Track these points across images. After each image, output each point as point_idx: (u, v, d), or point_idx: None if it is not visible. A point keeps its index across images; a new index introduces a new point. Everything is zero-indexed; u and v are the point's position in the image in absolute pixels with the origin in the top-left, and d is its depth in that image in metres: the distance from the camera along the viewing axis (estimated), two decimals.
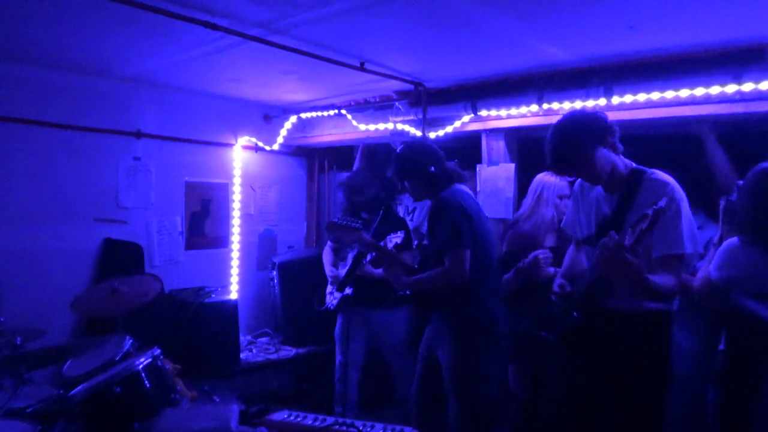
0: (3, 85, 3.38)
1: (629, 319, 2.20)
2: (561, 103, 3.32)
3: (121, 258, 3.81)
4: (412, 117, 4.00)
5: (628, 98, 3.08)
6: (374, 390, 3.94)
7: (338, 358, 3.78)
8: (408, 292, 2.95)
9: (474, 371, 2.78)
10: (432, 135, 3.94)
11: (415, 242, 3.11)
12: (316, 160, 5.15)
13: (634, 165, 2.31)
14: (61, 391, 2.48)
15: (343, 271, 3.70)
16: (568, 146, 2.23)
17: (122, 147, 3.93)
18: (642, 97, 3.05)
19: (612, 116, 3.15)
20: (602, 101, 3.16)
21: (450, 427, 2.81)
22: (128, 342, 2.72)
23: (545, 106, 3.37)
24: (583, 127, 2.24)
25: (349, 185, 3.83)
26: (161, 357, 2.56)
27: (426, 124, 3.90)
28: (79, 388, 2.35)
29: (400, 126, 4.07)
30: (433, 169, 2.87)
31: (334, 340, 3.94)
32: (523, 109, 3.49)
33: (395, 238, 3.14)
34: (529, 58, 3.15)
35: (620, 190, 2.27)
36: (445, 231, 2.76)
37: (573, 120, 2.28)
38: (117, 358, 2.60)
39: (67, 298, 3.22)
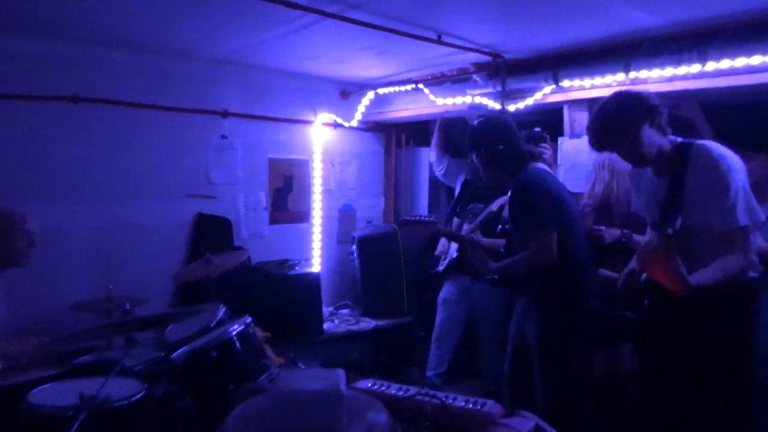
0: (101, 70, 3.61)
1: (709, 298, 2.08)
2: (650, 70, 3.16)
3: (212, 231, 4.03)
4: (490, 89, 3.94)
5: (725, 63, 2.90)
6: (461, 360, 3.99)
7: (438, 319, 3.85)
8: (495, 277, 2.95)
9: (561, 352, 2.75)
10: (511, 108, 3.87)
11: (499, 227, 3.09)
12: (393, 135, 5.18)
13: (679, 140, 2.23)
14: (163, 354, 2.70)
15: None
16: (612, 124, 2.20)
17: (211, 126, 4.12)
18: (741, 61, 2.85)
19: (706, 84, 3.01)
20: (695, 68, 2.98)
21: (539, 410, 2.81)
22: (222, 310, 2.90)
23: (632, 74, 3.22)
24: (628, 106, 2.19)
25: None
26: (252, 325, 2.72)
27: (505, 96, 3.83)
28: (179, 351, 2.54)
29: (477, 99, 4.02)
30: (501, 147, 2.85)
31: (412, 314, 4.02)
32: (609, 79, 3.36)
33: (500, 200, 3.12)
34: (614, 25, 3.02)
35: (670, 172, 2.20)
36: (528, 214, 2.74)
37: (617, 99, 2.24)
38: (212, 325, 2.78)
39: (166, 268, 3.48)
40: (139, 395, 2.14)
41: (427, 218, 3.17)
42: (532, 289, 2.86)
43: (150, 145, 3.85)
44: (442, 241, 4.01)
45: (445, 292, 3.90)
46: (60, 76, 3.46)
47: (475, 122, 3.02)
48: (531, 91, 3.80)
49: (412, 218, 3.20)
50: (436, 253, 4.04)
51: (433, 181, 4.94)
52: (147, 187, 3.83)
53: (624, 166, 3.09)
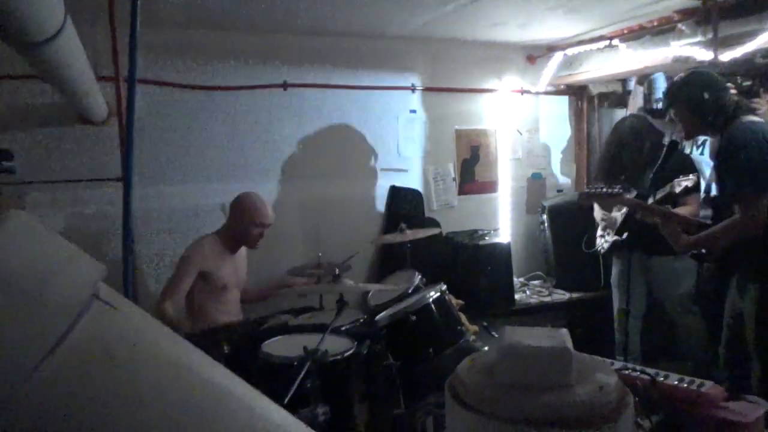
0: (304, 57, 3.98)
1: None
2: None
3: (405, 203, 4.25)
4: (699, 38, 3.52)
5: None
6: (657, 342, 3.70)
7: (616, 305, 3.64)
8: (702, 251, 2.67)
9: None
10: (726, 57, 3.41)
11: (703, 194, 2.77)
12: (584, 98, 4.91)
13: None
14: (366, 316, 2.93)
15: (616, 215, 3.53)
16: None
17: (400, 102, 4.32)
18: None
19: None
20: None
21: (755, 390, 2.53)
22: (418, 277, 3.06)
23: None
24: None
25: (619, 134, 3.62)
26: (447, 292, 2.83)
27: (717, 44, 3.39)
28: (382, 314, 2.76)
29: (683, 51, 3.61)
30: (706, 96, 2.53)
31: (605, 287, 3.79)
32: None
33: (685, 182, 2.84)
34: None
35: None
36: (738, 174, 2.42)
37: None
38: (410, 291, 2.96)
39: (365, 237, 3.74)
40: (350, 351, 2.36)
41: (612, 189, 2.94)
42: (747, 264, 2.54)
43: (348, 124, 4.16)
44: (599, 213, 3.68)
45: (618, 273, 3.59)
46: (271, 66, 3.89)
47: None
48: (752, 35, 3.31)
49: (594, 191, 2.99)
50: (599, 230, 3.72)
51: None
52: (347, 163, 4.17)
53: None
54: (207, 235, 3.15)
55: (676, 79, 2.74)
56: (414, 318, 2.65)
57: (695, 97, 2.59)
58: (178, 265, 3.00)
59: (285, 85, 3.90)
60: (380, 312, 2.83)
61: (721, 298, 2.78)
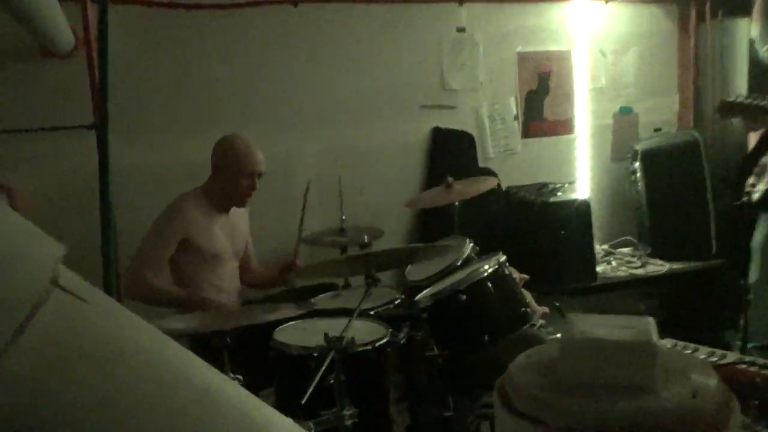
0: None
1: None
2: None
3: (451, 149, 4.24)
4: None
5: None
6: None
7: (753, 275, 3.59)
8: None
9: None
10: None
11: None
12: (692, 5, 4.77)
13: None
14: (403, 296, 2.97)
15: None
16: None
17: (444, 17, 4.26)
18: None
19: None
20: None
21: None
22: (469, 246, 3.06)
23: None
24: None
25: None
26: (506, 264, 2.83)
27: None
28: (424, 293, 2.78)
29: None
30: None
31: (719, 255, 3.72)
32: None
33: None
34: None
35: None
36: None
37: None
38: (459, 264, 2.97)
39: (400, 195, 3.76)
40: (383, 340, 2.39)
41: (761, 101, 2.77)
42: None
43: (376, 50, 4.13)
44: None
45: (762, 233, 3.51)
46: None
47: None
48: None
49: (740, 101, 2.82)
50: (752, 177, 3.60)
51: (758, 67, 4.42)
52: (376, 101, 4.15)
53: None
54: (189, 192, 3.13)
55: None
56: (464, 297, 2.66)
57: None
58: (153, 229, 2.99)
59: (295, 1, 3.88)
60: (422, 290, 2.86)
61: None
